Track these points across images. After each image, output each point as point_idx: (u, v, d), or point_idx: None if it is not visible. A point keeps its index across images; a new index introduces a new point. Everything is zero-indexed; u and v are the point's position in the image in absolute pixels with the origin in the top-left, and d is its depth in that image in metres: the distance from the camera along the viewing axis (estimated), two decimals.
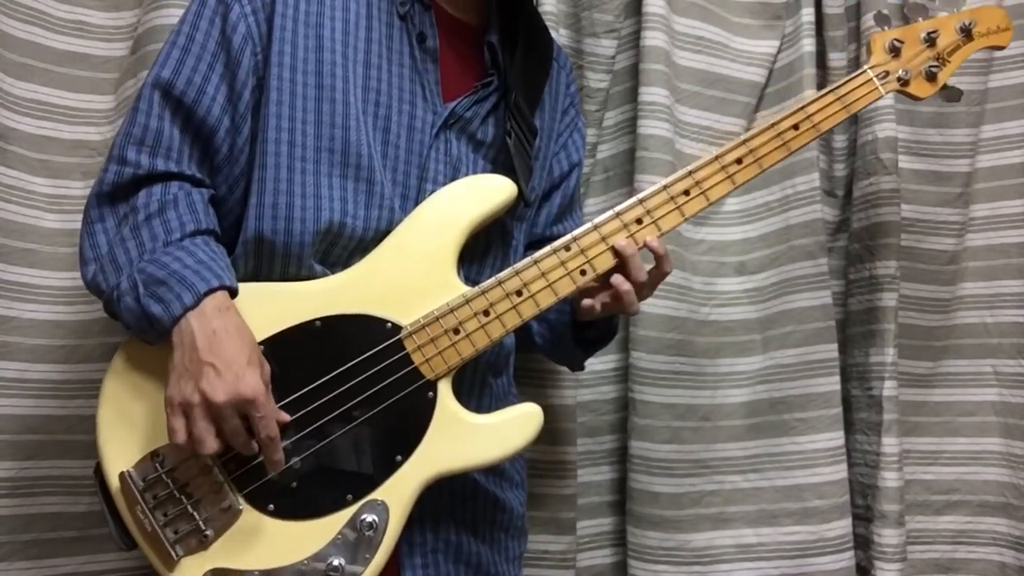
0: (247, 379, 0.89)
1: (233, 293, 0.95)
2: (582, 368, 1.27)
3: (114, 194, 0.98)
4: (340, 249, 1.01)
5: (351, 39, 1.03)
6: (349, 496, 0.96)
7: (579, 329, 1.15)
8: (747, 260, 1.51)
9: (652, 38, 1.43)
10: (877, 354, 1.46)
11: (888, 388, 1.45)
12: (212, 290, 0.91)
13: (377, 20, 1.05)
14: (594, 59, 1.47)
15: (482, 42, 1.09)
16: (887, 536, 1.42)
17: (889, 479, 1.43)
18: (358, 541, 0.95)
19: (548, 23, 1.35)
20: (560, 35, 1.45)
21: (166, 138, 0.99)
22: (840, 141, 1.55)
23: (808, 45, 1.48)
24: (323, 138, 1.00)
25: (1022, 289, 1.52)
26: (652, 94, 1.42)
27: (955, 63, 1.20)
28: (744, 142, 1.08)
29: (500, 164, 1.09)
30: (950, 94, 1.22)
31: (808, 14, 1.49)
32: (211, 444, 0.89)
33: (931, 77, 1.19)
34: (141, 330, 0.93)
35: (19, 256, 1.27)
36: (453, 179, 1.06)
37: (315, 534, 0.95)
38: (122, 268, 0.94)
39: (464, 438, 0.99)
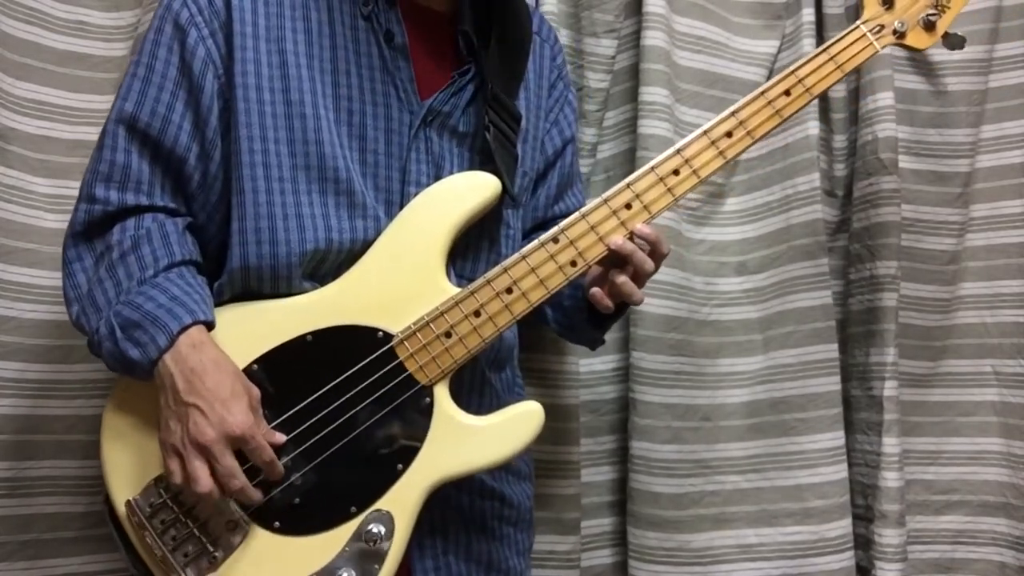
0: (233, 415, 0.89)
1: (210, 326, 0.94)
2: (602, 343, 1.23)
3: (88, 232, 0.98)
4: (329, 264, 1.00)
5: (315, 49, 1.00)
6: (353, 508, 0.96)
7: (593, 311, 1.11)
8: (747, 260, 1.51)
9: (652, 38, 1.43)
10: (877, 354, 1.46)
11: (888, 388, 1.45)
12: (185, 328, 0.91)
13: (340, 24, 1.01)
14: (594, 59, 1.47)
15: (454, 30, 1.06)
16: (887, 536, 1.42)
17: (889, 479, 1.43)
18: (366, 552, 0.94)
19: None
20: (560, 35, 1.45)
21: (135, 172, 0.97)
22: (840, 141, 1.55)
23: (808, 45, 1.47)
24: (297, 155, 0.98)
25: (1022, 289, 1.52)
26: (652, 94, 1.42)
27: (955, 8, 1.12)
28: (733, 114, 1.05)
29: (486, 153, 1.06)
30: (952, 41, 1.14)
31: (808, 14, 1.49)
32: (206, 482, 0.89)
33: (929, 26, 1.11)
34: (125, 372, 0.93)
35: (19, 256, 1.27)
36: (437, 178, 1.04)
37: (322, 548, 0.95)
38: (101, 309, 0.93)
39: (464, 442, 0.98)
